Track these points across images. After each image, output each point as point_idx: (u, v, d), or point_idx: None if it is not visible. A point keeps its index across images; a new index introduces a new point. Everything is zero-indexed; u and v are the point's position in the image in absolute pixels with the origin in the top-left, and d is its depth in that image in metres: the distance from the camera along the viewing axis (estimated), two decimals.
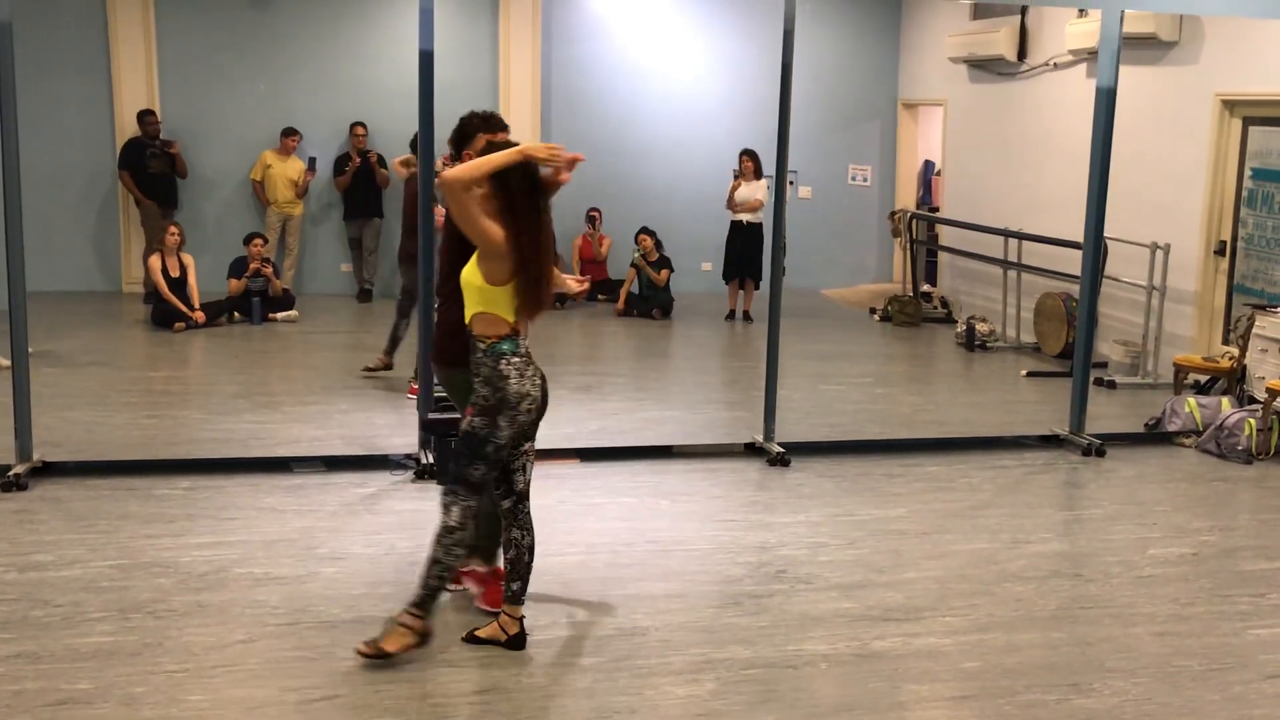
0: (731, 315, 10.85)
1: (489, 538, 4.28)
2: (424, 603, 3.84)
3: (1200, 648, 4.19)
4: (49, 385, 7.20)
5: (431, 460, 5.81)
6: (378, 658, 3.79)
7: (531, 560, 4.01)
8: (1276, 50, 7.85)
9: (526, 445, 3.95)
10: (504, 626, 3.99)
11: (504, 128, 4.26)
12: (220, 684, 3.66)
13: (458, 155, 4.27)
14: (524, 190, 3.72)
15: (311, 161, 11.01)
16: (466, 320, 3.84)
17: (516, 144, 3.78)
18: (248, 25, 11.02)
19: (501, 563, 4.10)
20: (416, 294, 7.36)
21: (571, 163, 3.82)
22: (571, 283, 4.38)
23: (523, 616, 4.01)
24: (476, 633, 4.02)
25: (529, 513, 4.01)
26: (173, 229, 9.72)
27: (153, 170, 10.55)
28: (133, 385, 7.85)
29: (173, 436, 6.54)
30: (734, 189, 10.82)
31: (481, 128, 4.24)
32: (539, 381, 3.85)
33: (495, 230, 3.68)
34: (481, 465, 3.82)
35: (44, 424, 6.07)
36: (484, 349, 3.79)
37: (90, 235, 11.07)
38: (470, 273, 3.78)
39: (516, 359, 3.78)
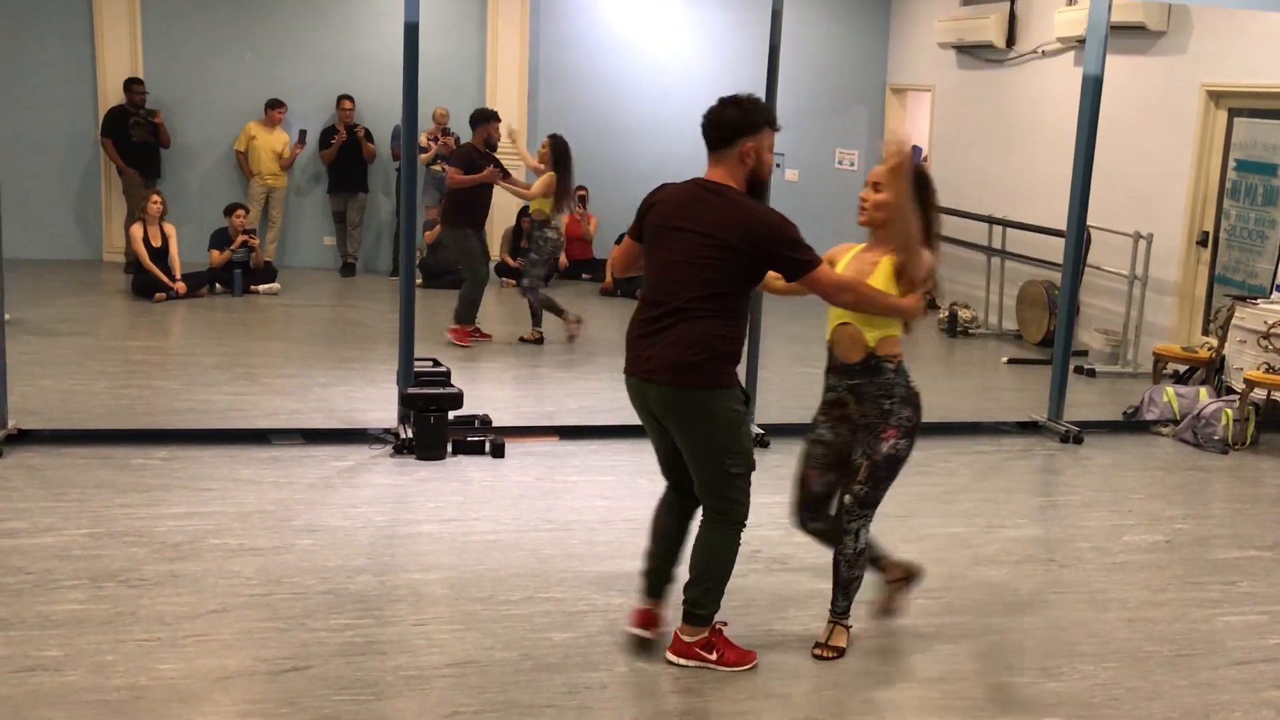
0: None
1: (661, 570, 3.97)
2: (848, 609, 3.92)
3: (1170, 634, 4.22)
4: (26, 353, 7.14)
5: (410, 435, 5.80)
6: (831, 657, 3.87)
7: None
8: (1263, 42, 7.86)
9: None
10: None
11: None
12: (191, 653, 3.65)
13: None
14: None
15: (301, 135, 10.91)
16: (871, 343, 3.79)
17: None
18: None
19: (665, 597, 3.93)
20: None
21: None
22: None
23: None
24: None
25: None
26: (155, 198, 9.65)
27: (135, 139, 10.46)
28: (111, 354, 7.80)
29: (150, 406, 6.51)
30: None
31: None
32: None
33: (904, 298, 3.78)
34: (889, 486, 3.88)
35: (20, 391, 6.03)
36: (893, 368, 3.79)
37: (71, 203, 10.98)
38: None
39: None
